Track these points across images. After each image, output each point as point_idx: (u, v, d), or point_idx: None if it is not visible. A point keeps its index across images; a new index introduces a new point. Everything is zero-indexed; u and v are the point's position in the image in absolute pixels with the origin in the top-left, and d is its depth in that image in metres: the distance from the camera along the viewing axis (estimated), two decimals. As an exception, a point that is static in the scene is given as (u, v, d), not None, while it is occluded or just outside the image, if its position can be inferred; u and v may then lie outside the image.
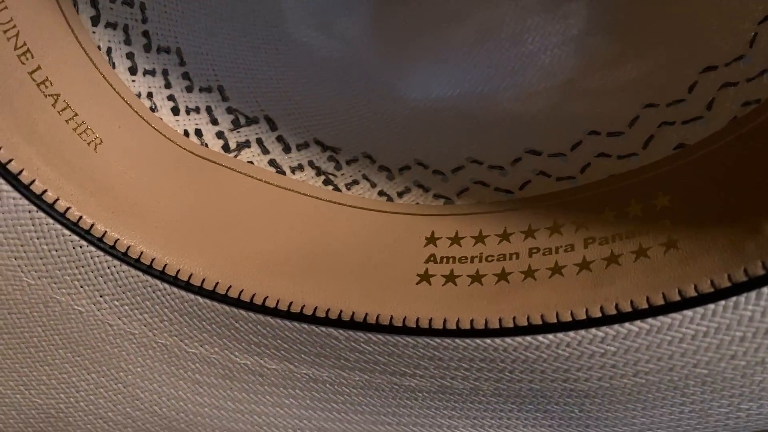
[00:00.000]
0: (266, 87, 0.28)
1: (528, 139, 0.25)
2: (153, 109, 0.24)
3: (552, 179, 0.23)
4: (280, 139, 0.27)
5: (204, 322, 0.21)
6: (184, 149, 0.24)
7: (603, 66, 0.25)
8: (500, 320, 0.19)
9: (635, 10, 0.25)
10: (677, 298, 0.17)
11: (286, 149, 0.26)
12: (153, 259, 0.20)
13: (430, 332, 0.20)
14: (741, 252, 0.16)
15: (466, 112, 0.27)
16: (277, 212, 0.24)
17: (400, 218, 0.24)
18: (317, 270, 0.22)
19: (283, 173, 0.25)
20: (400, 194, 0.25)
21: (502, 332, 0.19)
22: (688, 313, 0.17)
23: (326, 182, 0.25)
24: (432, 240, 0.22)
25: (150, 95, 0.25)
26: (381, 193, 0.25)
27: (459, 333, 0.19)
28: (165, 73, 0.25)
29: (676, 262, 0.18)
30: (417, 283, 0.21)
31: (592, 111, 0.24)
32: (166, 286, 0.20)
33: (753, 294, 0.16)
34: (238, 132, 0.26)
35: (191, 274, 0.20)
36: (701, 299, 0.17)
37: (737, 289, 0.16)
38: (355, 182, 0.26)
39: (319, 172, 0.26)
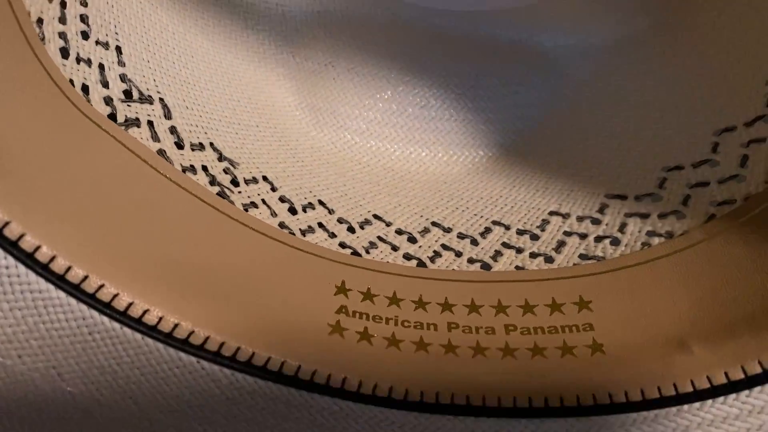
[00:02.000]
0: (167, 71, 0.24)
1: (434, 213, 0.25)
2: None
3: (462, 259, 0.23)
4: (173, 130, 0.22)
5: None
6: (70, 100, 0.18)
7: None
8: (421, 393, 0.17)
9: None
10: (607, 401, 0.17)
11: (179, 145, 0.22)
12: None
13: (341, 394, 0.17)
14: (670, 366, 0.17)
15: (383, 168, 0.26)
16: (162, 206, 0.19)
17: (307, 257, 0.21)
18: (203, 286, 0.18)
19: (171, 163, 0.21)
20: (303, 232, 0.22)
21: (420, 407, 0.17)
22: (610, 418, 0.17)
23: (221, 195, 0.21)
24: (343, 290, 0.20)
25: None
26: (282, 225, 0.22)
27: (373, 400, 0.17)
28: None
29: (603, 365, 0.18)
30: (329, 334, 0.18)
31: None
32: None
33: (685, 407, 0.16)
34: (129, 105, 0.21)
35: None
36: (628, 407, 0.17)
37: (665, 402, 0.16)
38: (253, 204, 0.22)
39: (213, 181, 0.22)
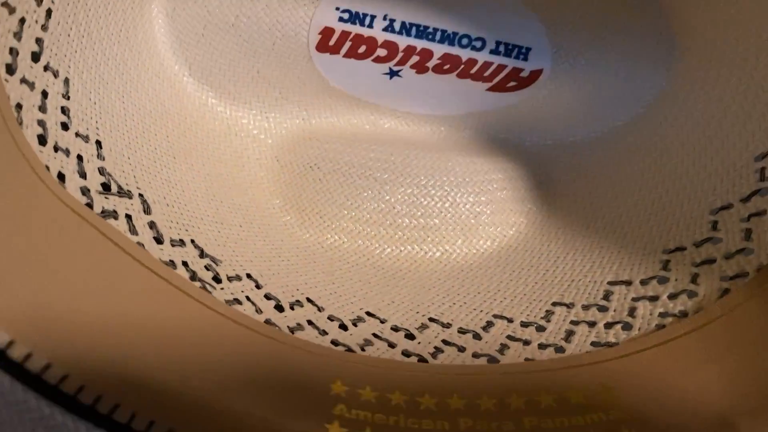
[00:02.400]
0: (148, 169, 0.23)
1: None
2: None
3: (467, 354, 0.21)
4: (152, 225, 0.21)
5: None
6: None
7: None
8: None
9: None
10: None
11: (158, 240, 0.21)
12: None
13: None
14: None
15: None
16: (145, 299, 0.17)
17: (298, 353, 0.19)
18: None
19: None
20: (291, 329, 0.20)
21: None
22: None
23: (203, 289, 0.20)
24: (340, 388, 0.18)
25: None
26: (268, 322, 0.20)
27: None
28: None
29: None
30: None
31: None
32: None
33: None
34: (106, 198, 0.20)
35: None
36: None
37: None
38: (237, 301, 0.20)
39: (194, 276, 0.20)
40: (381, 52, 0.25)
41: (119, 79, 0.24)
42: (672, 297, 0.21)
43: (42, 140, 0.19)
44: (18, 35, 0.19)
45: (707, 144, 0.24)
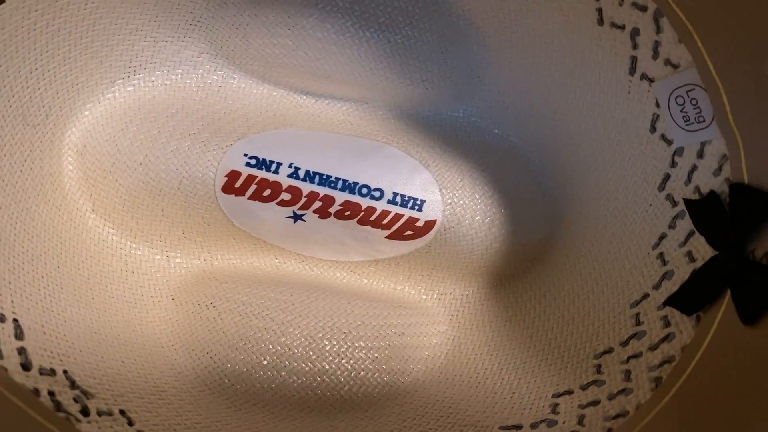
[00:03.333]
0: (29, 296, 0.22)
1: None
2: None
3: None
4: (21, 351, 0.20)
5: None
6: None
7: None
8: None
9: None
10: None
11: (25, 366, 0.19)
12: None
13: None
14: None
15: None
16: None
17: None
18: None
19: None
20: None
21: None
22: None
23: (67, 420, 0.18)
24: None
25: None
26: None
27: None
28: None
29: None
30: None
31: None
32: None
33: None
34: None
35: None
36: None
37: None
38: (103, 437, 0.19)
39: (58, 407, 0.19)
40: (285, 196, 0.27)
41: (15, 205, 0.23)
42: (611, 398, 0.21)
43: None
44: None
45: (590, 293, 0.26)
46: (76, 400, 0.20)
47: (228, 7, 0.26)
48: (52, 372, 0.20)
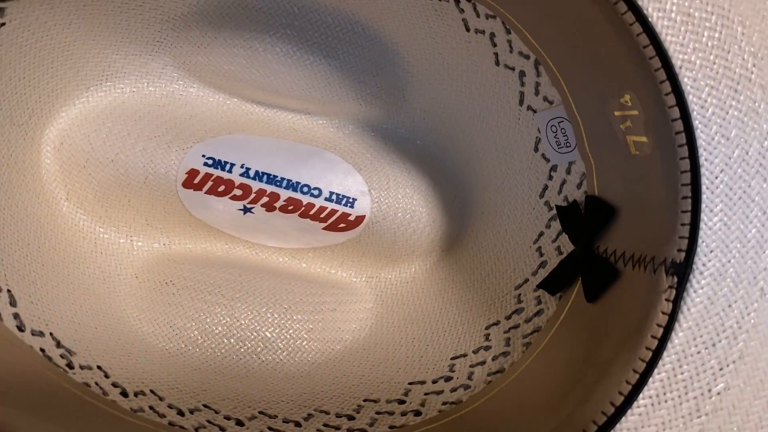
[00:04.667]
0: (19, 271, 0.26)
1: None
2: None
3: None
4: (16, 316, 0.24)
5: None
6: None
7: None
8: None
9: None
10: None
11: (20, 328, 0.24)
12: None
13: None
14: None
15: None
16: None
17: (137, 426, 0.22)
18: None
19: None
20: (134, 410, 0.23)
21: None
22: None
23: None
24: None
25: None
26: (113, 402, 0.23)
27: None
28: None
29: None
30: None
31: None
32: None
33: None
34: None
35: None
36: None
37: None
38: (86, 384, 0.23)
39: (50, 360, 0.23)
40: (237, 192, 0.32)
41: (2, 194, 0.27)
42: (453, 391, 0.27)
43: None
44: None
45: (485, 278, 0.32)
46: (62, 357, 0.24)
47: (191, 29, 0.30)
48: (41, 334, 0.25)
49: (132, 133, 0.31)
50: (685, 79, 0.21)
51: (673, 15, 0.20)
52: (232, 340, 0.31)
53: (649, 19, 0.20)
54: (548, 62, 0.26)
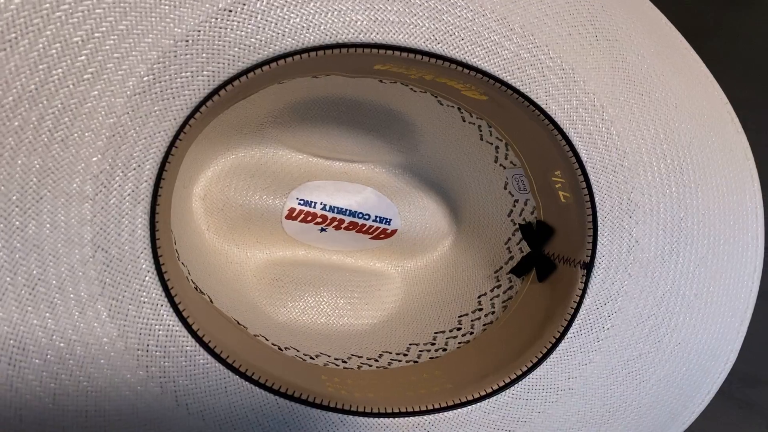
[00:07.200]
0: None
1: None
2: None
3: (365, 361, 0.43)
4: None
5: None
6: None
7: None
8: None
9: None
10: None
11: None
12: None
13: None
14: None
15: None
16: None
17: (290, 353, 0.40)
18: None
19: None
20: (280, 347, 0.41)
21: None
22: None
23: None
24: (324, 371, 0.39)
25: None
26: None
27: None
28: None
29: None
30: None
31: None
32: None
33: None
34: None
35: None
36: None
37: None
38: (207, 298, 0.41)
39: (197, 289, 0.41)
40: (318, 219, 0.49)
41: (181, 229, 0.44)
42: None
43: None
44: None
45: (472, 266, 0.51)
46: (201, 291, 0.42)
47: (284, 116, 0.48)
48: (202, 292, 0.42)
49: (251, 185, 0.48)
50: (588, 166, 0.40)
51: (582, 134, 0.39)
52: (317, 311, 0.49)
53: (569, 137, 0.39)
54: (513, 145, 0.44)
